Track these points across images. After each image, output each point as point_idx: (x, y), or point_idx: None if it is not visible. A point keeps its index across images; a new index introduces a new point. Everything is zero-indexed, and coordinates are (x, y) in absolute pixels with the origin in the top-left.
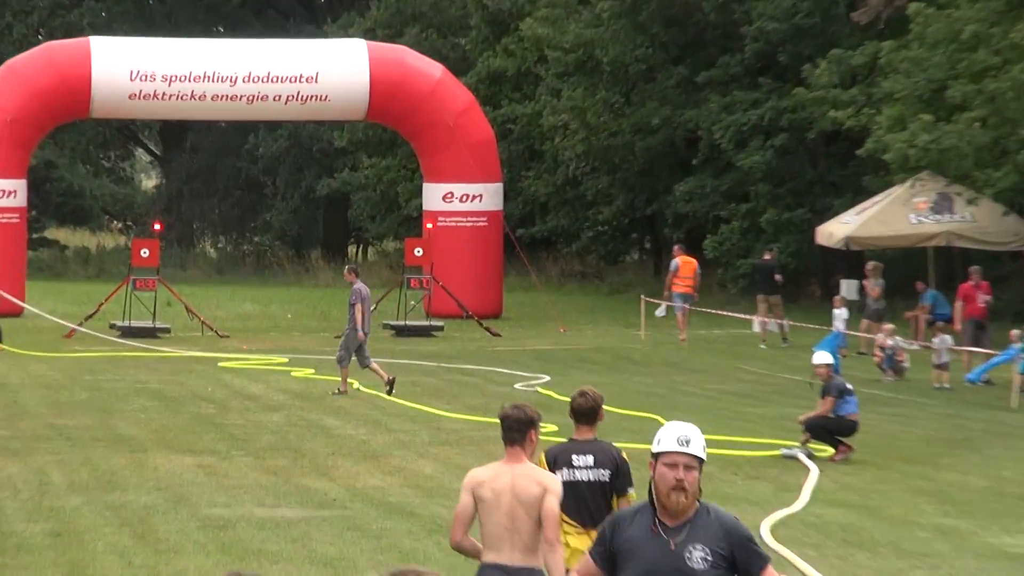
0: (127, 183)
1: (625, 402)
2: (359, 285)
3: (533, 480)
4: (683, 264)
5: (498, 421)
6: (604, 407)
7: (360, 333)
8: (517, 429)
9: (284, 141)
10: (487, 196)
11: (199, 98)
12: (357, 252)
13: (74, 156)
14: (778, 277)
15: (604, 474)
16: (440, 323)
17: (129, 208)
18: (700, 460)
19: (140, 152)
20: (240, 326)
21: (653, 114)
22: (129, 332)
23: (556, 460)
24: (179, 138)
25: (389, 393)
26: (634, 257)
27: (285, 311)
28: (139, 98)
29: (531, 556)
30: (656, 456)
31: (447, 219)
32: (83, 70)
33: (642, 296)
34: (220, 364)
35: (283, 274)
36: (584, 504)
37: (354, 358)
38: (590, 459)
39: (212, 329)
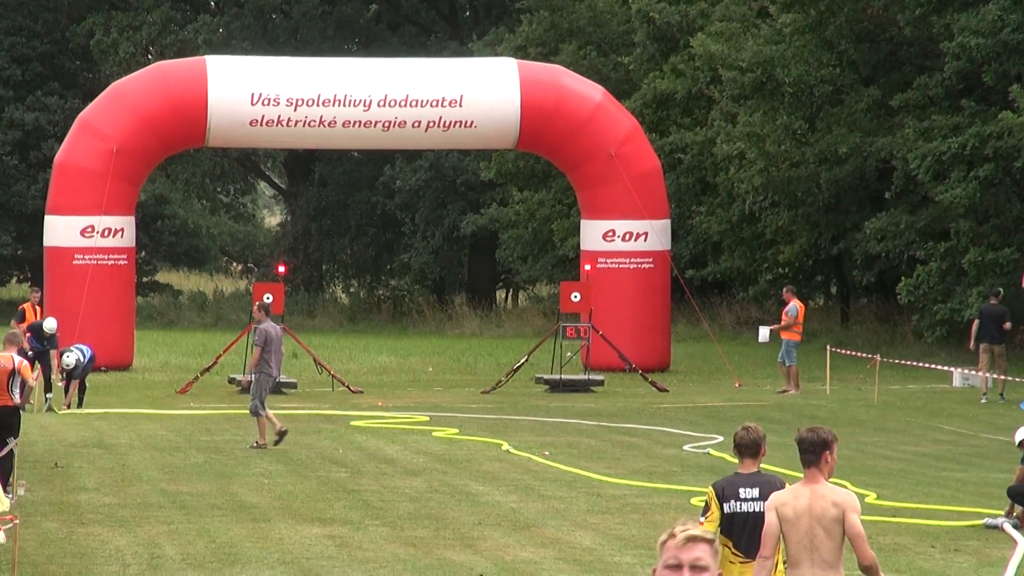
0: (247, 220)
1: None
2: (268, 325)
3: (830, 500)
4: (801, 308)
5: (797, 445)
6: (786, 479)
7: (245, 378)
8: (812, 451)
9: (424, 173)
10: (653, 234)
11: (328, 124)
12: (507, 297)
13: (188, 190)
14: (1007, 324)
15: None
16: (600, 377)
17: (250, 248)
18: None
19: (262, 186)
20: (375, 380)
21: (841, 141)
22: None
23: (724, 492)
24: (306, 170)
25: (277, 443)
26: (818, 303)
27: (425, 364)
28: (261, 124)
29: (831, 574)
30: None
31: (608, 260)
32: (198, 93)
33: (828, 346)
34: (352, 423)
35: (423, 322)
36: (750, 535)
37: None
38: (756, 491)
39: (343, 384)
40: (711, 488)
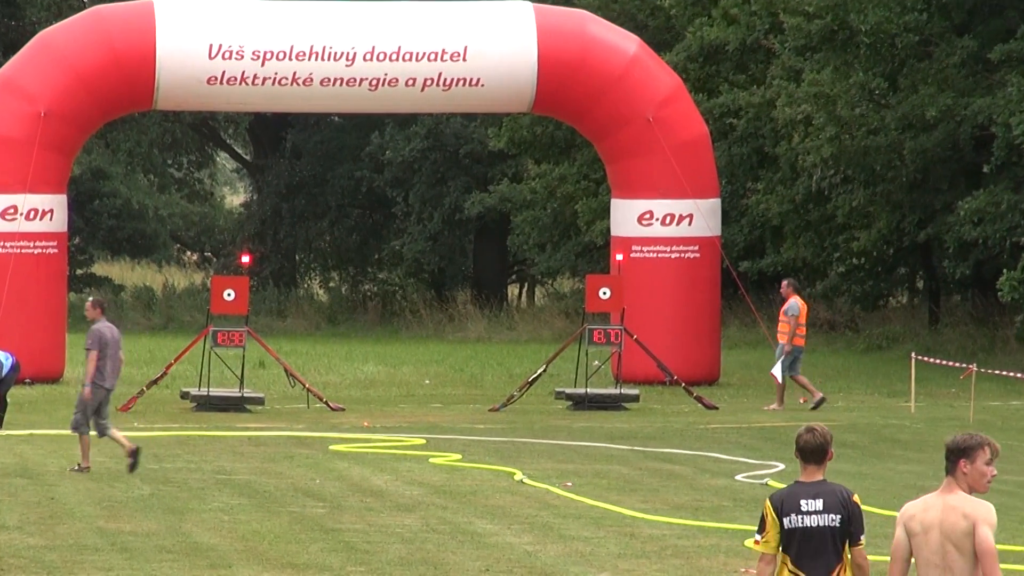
0: (204, 200)
1: (889, 499)
2: (103, 325)
3: (960, 513)
4: (803, 307)
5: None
6: (856, 497)
7: (86, 389)
8: (947, 457)
9: (420, 142)
10: (699, 217)
11: (303, 83)
12: (520, 294)
13: (132, 163)
14: None
15: (835, 519)
16: (634, 391)
17: (207, 234)
18: None
19: (223, 157)
20: (360, 395)
21: (929, 103)
22: (208, 403)
23: (783, 505)
24: (276, 138)
25: (132, 469)
26: (901, 300)
27: (421, 375)
28: (221, 82)
29: None
30: None
31: (644, 249)
32: (144, 44)
33: (912, 354)
34: (332, 447)
35: (418, 324)
36: (814, 553)
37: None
38: (819, 503)
39: (321, 400)
40: (768, 501)
